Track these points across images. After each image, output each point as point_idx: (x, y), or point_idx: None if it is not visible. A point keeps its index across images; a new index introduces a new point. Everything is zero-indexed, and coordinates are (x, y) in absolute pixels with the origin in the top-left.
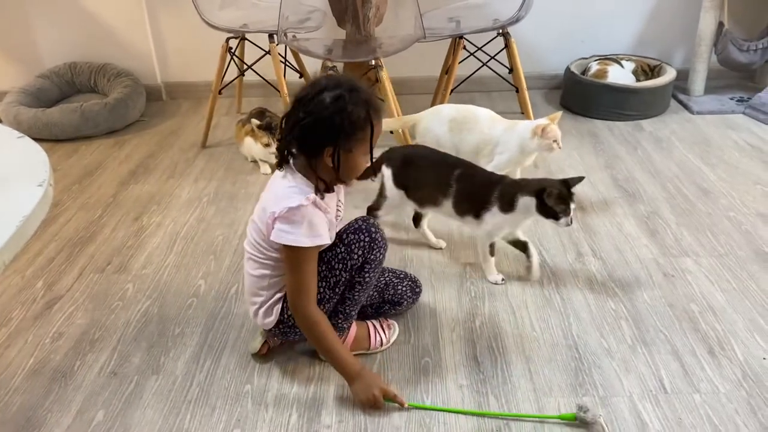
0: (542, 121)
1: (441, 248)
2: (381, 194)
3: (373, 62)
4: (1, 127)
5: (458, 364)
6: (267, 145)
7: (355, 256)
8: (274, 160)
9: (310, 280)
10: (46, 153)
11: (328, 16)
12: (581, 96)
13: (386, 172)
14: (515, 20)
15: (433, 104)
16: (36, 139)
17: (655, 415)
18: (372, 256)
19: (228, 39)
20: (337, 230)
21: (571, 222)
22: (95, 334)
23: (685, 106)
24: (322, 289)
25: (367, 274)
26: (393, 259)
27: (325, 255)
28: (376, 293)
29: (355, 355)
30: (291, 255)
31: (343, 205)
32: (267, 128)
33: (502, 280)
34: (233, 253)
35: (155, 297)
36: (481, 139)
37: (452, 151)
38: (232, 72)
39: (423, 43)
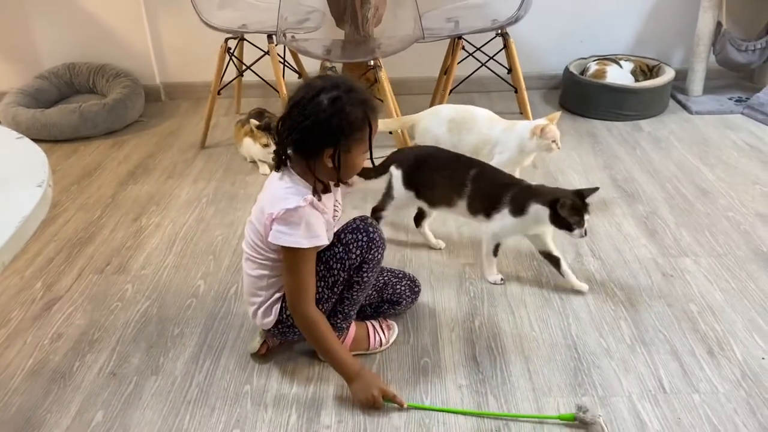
0: (541, 121)
1: (440, 249)
2: (388, 195)
3: (372, 63)
4: (0, 127)
5: (457, 365)
6: (266, 146)
7: (353, 256)
8: (273, 161)
9: (308, 281)
10: (45, 154)
11: (326, 16)
12: (580, 96)
13: (395, 172)
14: (514, 20)
15: (432, 104)
16: (35, 140)
17: (654, 414)
18: (370, 256)
19: (227, 39)
20: (335, 230)
21: (585, 234)
22: (94, 334)
23: (684, 106)
24: (320, 289)
25: (365, 274)
26: (392, 259)
27: (323, 255)
28: (374, 293)
29: (354, 355)
30: (289, 256)
31: (341, 206)
32: (266, 129)
33: (501, 280)
34: (232, 253)
35: (154, 297)
36: (480, 139)
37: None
38: (231, 72)
39: (422, 44)
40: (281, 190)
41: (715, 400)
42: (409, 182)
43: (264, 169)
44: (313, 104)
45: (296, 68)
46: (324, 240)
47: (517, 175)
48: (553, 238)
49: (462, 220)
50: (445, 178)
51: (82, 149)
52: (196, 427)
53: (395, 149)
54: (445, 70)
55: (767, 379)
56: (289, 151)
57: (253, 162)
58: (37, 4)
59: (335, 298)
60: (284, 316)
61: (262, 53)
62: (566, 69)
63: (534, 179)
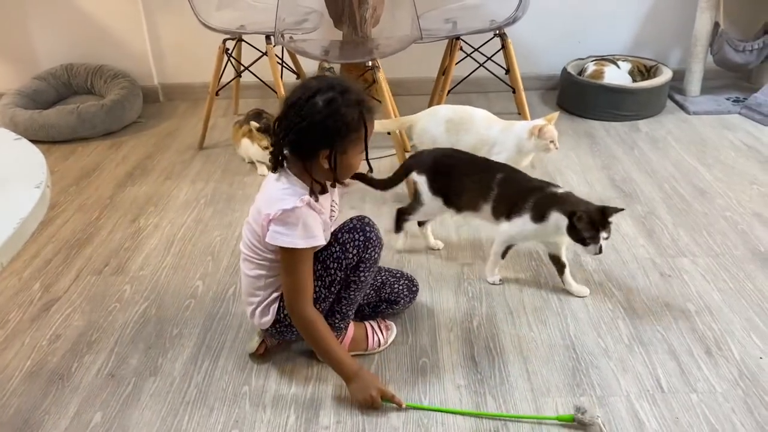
0: (539, 121)
1: (438, 249)
2: (417, 201)
3: (370, 63)
4: None
5: (456, 365)
6: (266, 148)
7: (350, 255)
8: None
9: (306, 281)
10: (43, 155)
11: (324, 17)
12: (578, 96)
13: (419, 178)
14: (512, 21)
15: (430, 105)
16: (33, 141)
17: (652, 414)
18: (367, 255)
19: (225, 40)
20: (332, 230)
21: (600, 251)
22: (93, 335)
23: (682, 107)
24: (317, 288)
25: (362, 273)
26: (390, 260)
27: (320, 254)
28: (372, 292)
29: (353, 355)
30: (286, 256)
31: (338, 206)
32: (266, 131)
33: (500, 281)
34: (231, 254)
35: (153, 298)
36: (478, 139)
37: None
38: (229, 73)
39: (420, 44)
40: (278, 191)
41: (712, 400)
42: (435, 188)
43: (262, 169)
44: (308, 105)
45: (294, 69)
46: (321, 240)
47: None
48: (567, 247)
49: (461, 220)
50: (474, 182)
51: (80, 150)
52: (195, 428)
53: (412, 154)
54: (443, 71)
55: (764, 379)
56: (285, 152)
57: (251, 163)
58: (35, 5)
59: (333, 298)
60: (282, 315)
61: (261, 54)
62: (564, 69)
63: None
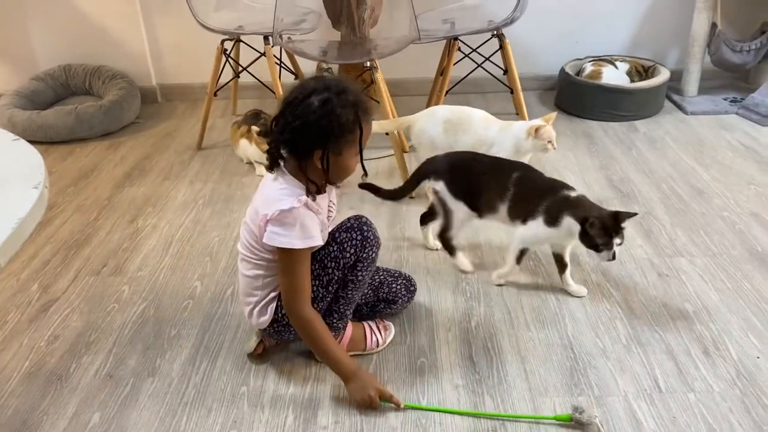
0: (537, 121)
1: (436, 249)
2: (445, 211)
3: (368, 64)
4: None
5: (454, 365)
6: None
7: (348, 255)
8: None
9: (303, 281)
10: (41, 155)
11: (323, 17)
12: (576, 97)
13: (437, 185)
14: (510, 21)
15: (428, 105)
16: (31, 142)
17: (649, 414)
18: (364, 255)
19: (223, 41)
20: (330, 230)
21: (614, 258)
22: (91, 336)
23: (679, 107)
24: (315, 288)
25: (359, 273)
26: (389, 259)
27: (318, 253)
28: (370, 291)
29: (351, 355)
30: (284, 257)
31: (336, 206)
32: (267, 135)
33: (504, 282)
34: (229, 254)
35: (151, 299)
36: (476, 140)
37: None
38: (228, 74)
39: (418, 45)
40: (275, 192)
41: (710, 399)
42: (455, 191)
43: (260, 170)
44: (304, 105)
45: (293, 69)
46: (318, 241)
47: None
48: (572, 248)
49: None
50: (491, 182)
51: (79, 151)
52: (193, 429)
53: (427, 160)
54: (442, 71)
55: (762, 378)
56: (283, 152)
57: (250, 163)
58: (34, 6)
59: (330, 297)
60: (280, 315)
61: (259, 54)
62: (562, 70)
63: None
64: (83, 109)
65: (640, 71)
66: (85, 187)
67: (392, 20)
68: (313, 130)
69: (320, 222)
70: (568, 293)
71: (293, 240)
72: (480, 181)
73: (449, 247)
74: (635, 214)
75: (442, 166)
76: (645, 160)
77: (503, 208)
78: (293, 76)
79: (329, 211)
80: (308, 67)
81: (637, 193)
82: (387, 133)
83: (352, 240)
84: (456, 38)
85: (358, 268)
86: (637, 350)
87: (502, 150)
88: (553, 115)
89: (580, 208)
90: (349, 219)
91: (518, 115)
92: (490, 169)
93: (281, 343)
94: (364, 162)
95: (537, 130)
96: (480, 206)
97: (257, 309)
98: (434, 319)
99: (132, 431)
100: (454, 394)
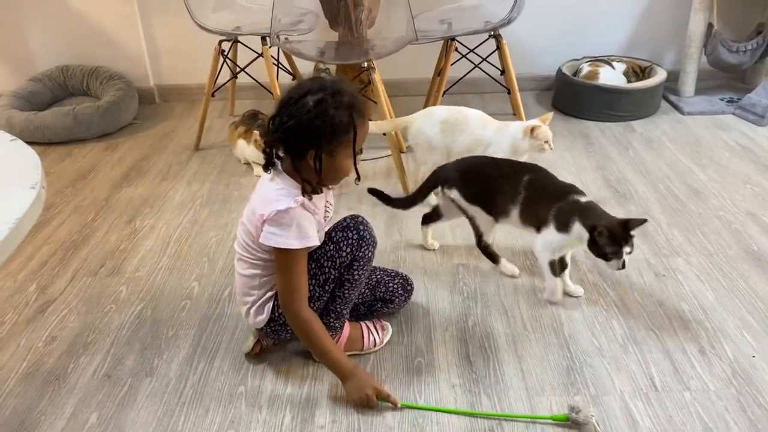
0: (533, 121)
1: (434, 250)
2: (469, 219)
3: (366, 64)
4: None
5: (451, 364)
6: None
7: (344, 254)
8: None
9: (300, 281)
10: (39, 156)
11: (320, 18)
12: (573, 97)
13: (452, 194)
14: (507, 22)
15: (425, 106)
16: (28, 143)
17: (645, 413)
18: (360, 254)
19: (221, 42)
20: (326, 229)
21: (623, 267)
22: (88, 336)
23: (676, 107)
24: (311, 287)
25: (356, 272)
26: (386, 259)
27: (314, 253)
28: (367, 291)
29: (348, 355)
30: (281, 257)
31: (333, 207)
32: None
33: (582, 293)
34: (227, 255)
35: (148, 299)
36: (473, 140)
37: (445, 152)
38: (225, 74)
39: (415, 45)
40: (272, 192)
41: (706, 398)
42: (469, 197)
43: (258, 170)
44: (299, 105)
45: (290, 70)
46: (315, 241)
47: None
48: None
49: (456, 221)
50: (503, 184)
51: (76, 152)
52: (191, 428)
53: (437, 168)
54: (439, 72)
55: (757, 377)
56: (281, 152)
57: (247, 164)
58: (31, 7)
59: (327, 296)
60: (276, 314)
61: (256, 55)
62: (559, 70)
63: None
64: (81, 110)
65: (637, 72)
66: (82, 187)
67: (389, 21)
68: (306, 130)
69: (317, 222)
70: (565, 292)
71: (290, 240)
72: (492, 185)
73: (490, 255)
74: (644, 221)
75: (453, 173)
76: (642, 161)
77: (515, 212)
78: (291, 77)
79: (326, 211)
80: (306, 68)
81: (634, 193)
82: (384, 134)
83: (348, 239)
84: (453, 39)
85: (355, 267)
86: (633, 349)
87: (499, 150)
88: (550, 115)
89: (590, 215)
90: (345, 218)
91: (515, 115)
92: (501, 172)
93: (279, 343)
94: (362, 163)
95: (533, 130)
96: (494, 210)
97: (254, 308)
98: (431, 319)
99: (130, 431)
100: (451, 394)
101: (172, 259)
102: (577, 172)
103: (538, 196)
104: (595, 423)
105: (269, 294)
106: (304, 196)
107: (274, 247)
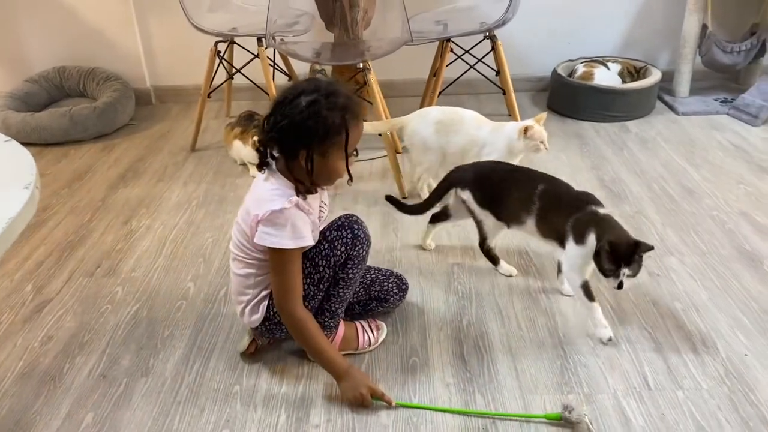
0: (528, 122)
1: (430, 249)
2: (476, 221)
3: (361, 65)
4: None
5: (445, 364)
6: None
7: (338, 253)
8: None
9: (295, 281)
10: (35, 157)
11: (316, 19)
12: (568, 98)
13: (464, 195)
14: (502, 23)
15: (421, 107)
16: (25, 144)
17: (638, 411)
18: (354, 252)
19: (217, 43)
20: (321, 229)
21: (620, 287)
22: (84, 337)
23: (671, 107)
24: (306, 286)
25: (350, 271)
26: (381, 259)
27: (309, 252)
28: (362, 290)
29: (343, 355)
30: (275, 257)
31: (328, 207)
32: None
33: (609, 339)
34: (222, 255)
35: (144, 300)
36: (468, 140)
37: (440, 153)
38: (221, 75)
39: (411, 46)
40: (267, 192)
41: (698, 397)
42: (480, 201)
43: (254, 171)
44: (292, 105)
45: (286, 71)
46: (309, 241)
47: None
48: None
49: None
50: (516, 193)
51: (73, 153)
52: (186, 428)
53: (453, 169)
54: (434, 73)
55: (750, 376)
56: (274, 152)
57: (243, 165)
58: (27, 8)
59: (322, 295)
60: (271, 313)
61: (252, 56)
62: (554, 71)
63: None
64: (77, 111)
65: (632, 72)
66: (79, 188)
67: (385, 22)
68: (298, 130)
69: (311, 222)
70: (558, 292)
71: (284, 240)
72: (504, 192)
73: (490, 258)
74: (651, 247)
75: (469, 175)
76: (636, 161)
77: (530, 222)
78: (287, 78)
79: (321, 211)
80: (301, 69)
81: (628, 192)
82: (380, 135)
83: (342, 238)
84: (449, 40)
85: (349, 266)
86: (626, 348)
87: (495, 151)
88: (544, 115)
89: (603, 227)
90: (339, 217)
91: (510, 116)
92: (516, 180)
93: (274, 342)
94: (358, 163)
95: (527, 130)
96: (506, 217)
97: (249, 307)
98: (426, 319)
99: (125, 431)
100: (445, 393)
101: (168, 259)
102: (572, 173)
103: (555, 207)
104: (588, 422)
105: (264, 293)
106: (298, 196)
107: (269, 247)
